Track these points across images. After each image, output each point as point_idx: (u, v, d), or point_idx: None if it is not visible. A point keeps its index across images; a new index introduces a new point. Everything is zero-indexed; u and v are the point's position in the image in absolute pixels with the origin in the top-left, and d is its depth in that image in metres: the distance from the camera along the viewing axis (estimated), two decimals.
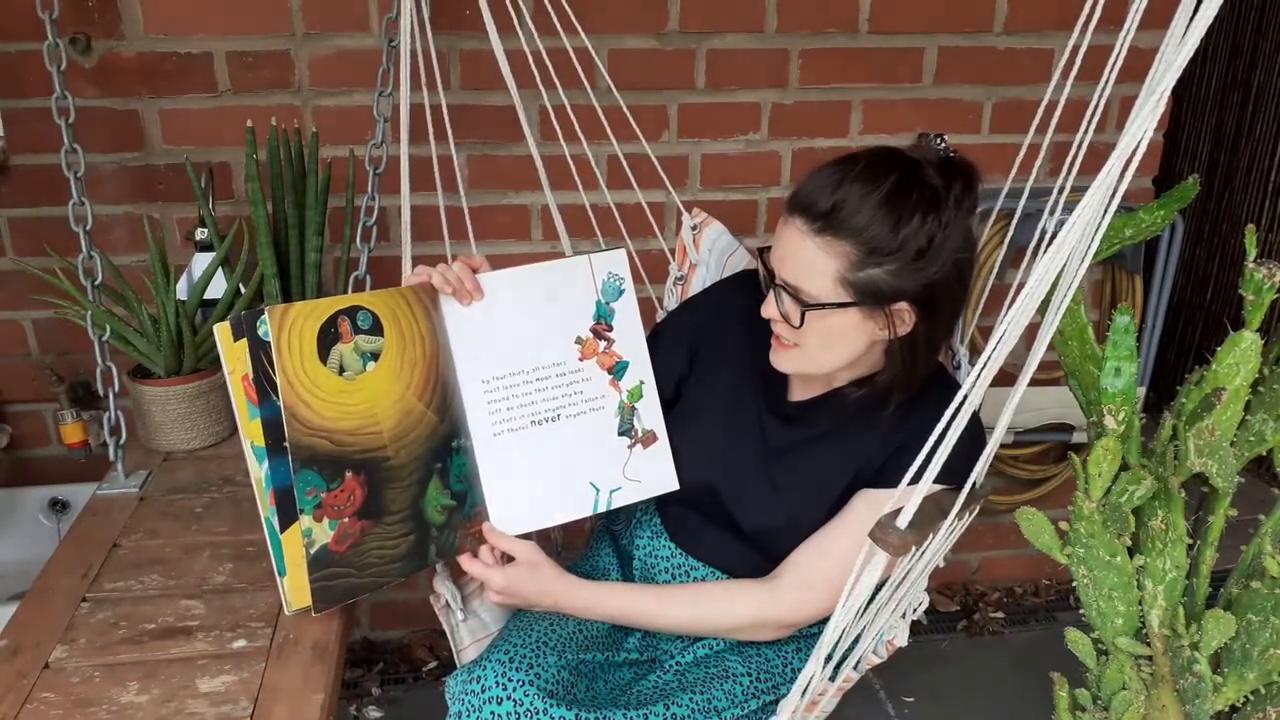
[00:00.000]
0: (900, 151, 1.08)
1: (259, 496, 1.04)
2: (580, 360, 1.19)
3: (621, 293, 1.22)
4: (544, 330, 1.17)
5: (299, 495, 1.00)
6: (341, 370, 1.03)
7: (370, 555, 1.06)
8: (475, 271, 1.14)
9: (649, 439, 1.22)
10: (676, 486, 1.23)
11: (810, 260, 1.05)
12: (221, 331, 1.01)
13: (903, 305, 1.06)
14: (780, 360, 1.15)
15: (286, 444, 1.00)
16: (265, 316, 0.99)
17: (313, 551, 1.01)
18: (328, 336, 1.02)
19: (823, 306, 1.05)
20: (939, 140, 1.10)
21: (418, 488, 1.08)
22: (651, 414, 1.22)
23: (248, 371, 1.01)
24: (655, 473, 1.22)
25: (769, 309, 1.11)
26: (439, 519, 1.10)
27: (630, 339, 1.22)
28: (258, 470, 1.04)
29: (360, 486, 1.04)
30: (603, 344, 1.20)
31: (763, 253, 1.12)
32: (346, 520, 1.03)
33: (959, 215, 1.04)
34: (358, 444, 1.04)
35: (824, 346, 1.10)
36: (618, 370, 1.21)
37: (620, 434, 1.21)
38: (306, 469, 1.00)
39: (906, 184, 1.03)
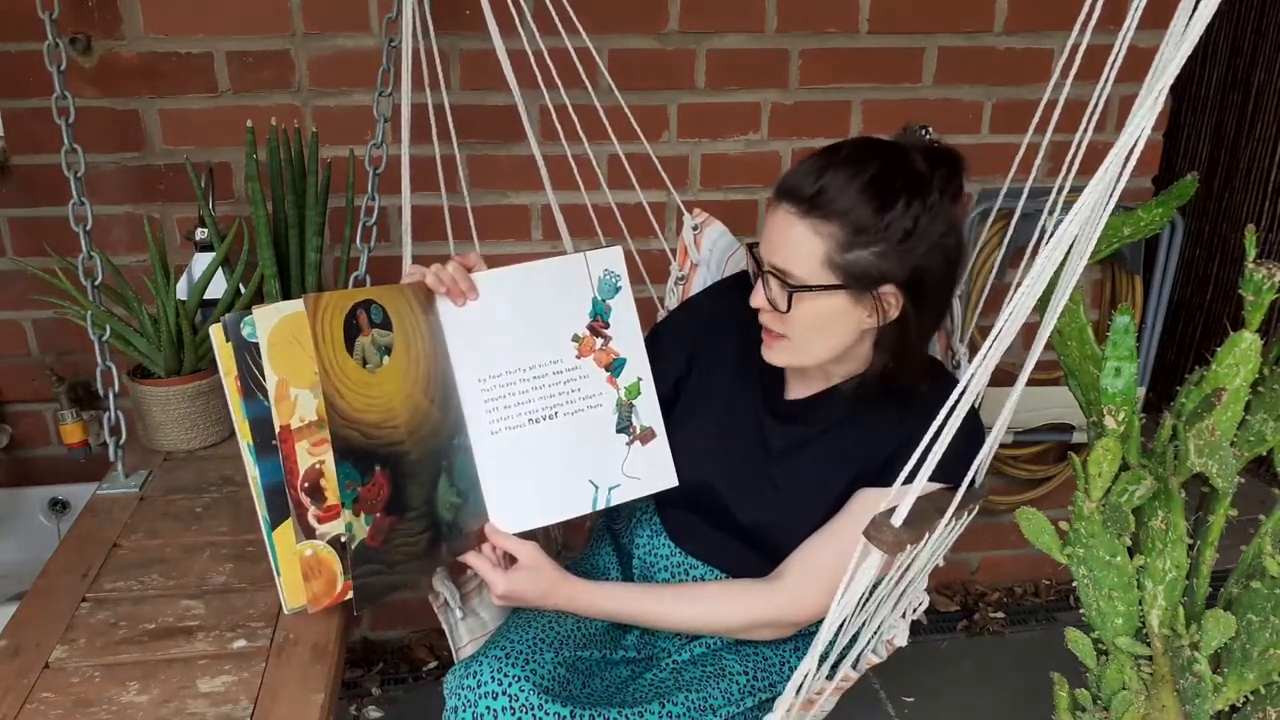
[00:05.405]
0: (884, 140, 1.09)
1: (255, 496, 1.04)
2: (577, 358, 1.19)
3: (618, 290, 1.21)
4: (540, 328, 1.17)
5: (340, 489, 1.00)
6: (364, 363, 1.04)
7: (397, 551, 1.06)
8: (470, 270, 1.14)
9: (647, 436, 1.22)
10: (675, 483, 1.22)
11: (797, 243, 1.06)
12: (216, 333, 1.01)
13: (889, 289, 1.06)
14: (770, 352, 1.15)
15: (275, 443, 1.00)
16: (250, 317, 1.00)
17: (353, 547, 1.02)
18: (351, 328, 1.03)
19: (810, 289, 1.06)
20: (923, 130, 1.11)
21: (431, 484, 1.09)
22: (649, 411, 1.22)
23: (239, 372, 1.02)
24: (654, 469, 1.22)
25: (757, 298, 1.11)
26: (448, 516, 1.10)
27: (627, 336, 1.22)
28: (253, 470, 1.04)
29: (387, 481, 1.04)
30: (599, 341, 1.20)
31: (751, 246, 1.13)
32: (378, 515, 1.04)
33: (944, 200, 1.06)
34: (382, 437, 1.04)
35: (813, 334, 1.10)
36: (615, 367, 1.21)
37: (618, 431, 1.20)
38: (344, 461, 1.00)
39: (891, 168, 1.05)
